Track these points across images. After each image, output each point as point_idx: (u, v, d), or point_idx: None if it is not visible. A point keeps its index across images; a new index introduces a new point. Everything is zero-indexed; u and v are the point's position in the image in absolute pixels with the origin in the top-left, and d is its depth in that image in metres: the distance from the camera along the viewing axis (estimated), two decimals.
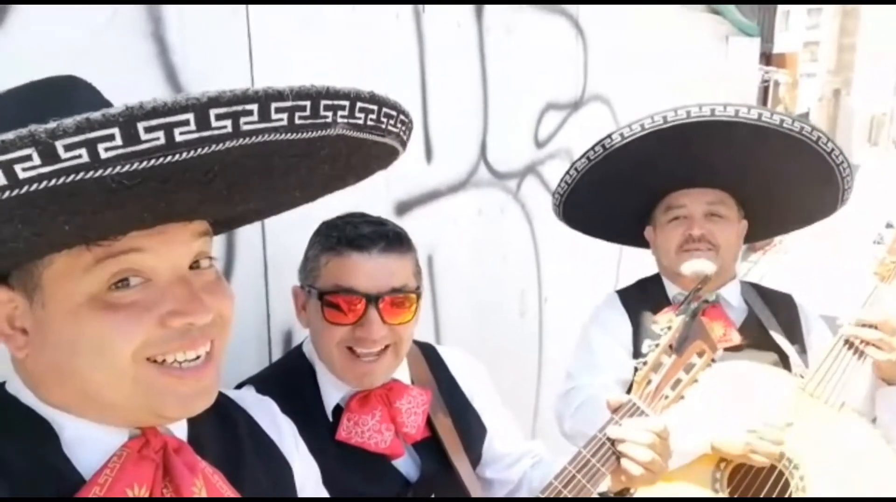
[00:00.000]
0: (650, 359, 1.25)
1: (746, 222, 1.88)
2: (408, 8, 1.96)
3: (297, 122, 0.66)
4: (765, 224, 1.95)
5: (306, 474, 1.11)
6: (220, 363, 0.86)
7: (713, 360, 1.32)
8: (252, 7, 1.49)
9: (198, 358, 0.82)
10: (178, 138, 0.59)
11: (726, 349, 1.75)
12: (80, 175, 0.58)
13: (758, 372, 1.69)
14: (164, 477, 0.84)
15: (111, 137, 0.57)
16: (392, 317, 1.31)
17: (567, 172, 1.86)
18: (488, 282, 2.59)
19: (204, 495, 0.86)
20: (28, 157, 0.56)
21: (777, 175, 1.76)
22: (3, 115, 0.79)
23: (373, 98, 0.74)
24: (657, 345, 1.26)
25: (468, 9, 2.23)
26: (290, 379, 1.39)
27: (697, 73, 4.21)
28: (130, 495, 0.80)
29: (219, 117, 0.61)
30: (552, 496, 1.26)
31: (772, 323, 1.84)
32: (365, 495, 1.35)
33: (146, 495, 0.81)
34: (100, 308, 0.77)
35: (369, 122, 0.75)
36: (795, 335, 1.86)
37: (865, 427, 1.60)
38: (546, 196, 2.87)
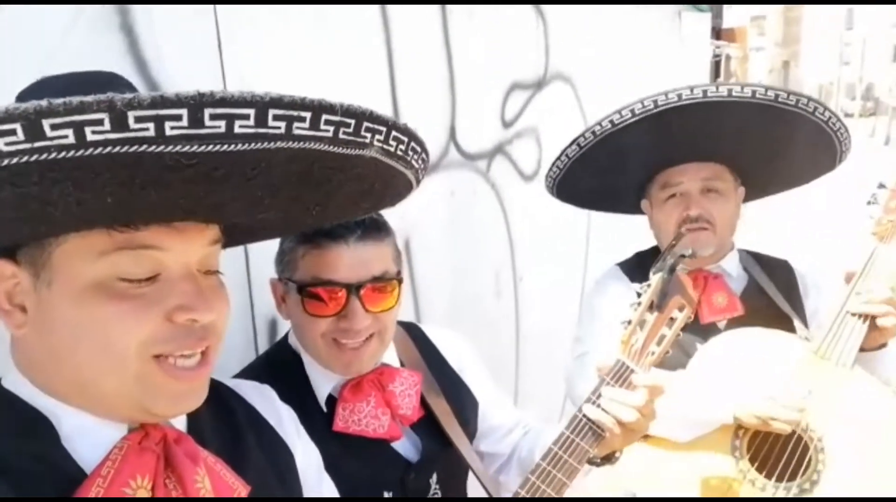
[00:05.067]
0: (633, 318, 1.27)
1: (744, 188, 1.84)
2: None
3: (341, 136, 0.70)
4: (762, 187, 1.93)
5: (308, 459, 1.11)
6: (212, 368, 0.87)
7: (694, 314, 1.34)
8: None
9: (193, 356, 0.83)
10: (237, 130, 0.63)
11: (731, 320, 1.75)
12: (143, 147, 0.60)
13: (770, 337, 1.69)
14: (166, 468, 0.84)
15: (179, 118, 0.60)
16: (374, 304, 1.29)
17: (558, 158, 1.82)
18: (464, 264, 2.60)
19: (207, 484, 0.86)
20: (100, 122, 0.58)
21: (774, 145, 1.74)
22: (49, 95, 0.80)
23: (406, 130, 0.79)
24: (639, 304, 1.28)
25: None
26: (279, 373, 1.36)
27: (652, 49, 4.25)
28: (133, 486, 0.80)
29: (276, 118, 0.64)
30: (541, 476, 1.22)
31: (771, 288, 1.83)
32: (369, 481, 1.34)
33: (149, 486, 0.81)
34: (107, 295, 0.77)
35: (398, 152, 0.80)
36: (794, 300, 1.86)
37: (877, 385, 1.62)
38: (515, 176, 2.89)
